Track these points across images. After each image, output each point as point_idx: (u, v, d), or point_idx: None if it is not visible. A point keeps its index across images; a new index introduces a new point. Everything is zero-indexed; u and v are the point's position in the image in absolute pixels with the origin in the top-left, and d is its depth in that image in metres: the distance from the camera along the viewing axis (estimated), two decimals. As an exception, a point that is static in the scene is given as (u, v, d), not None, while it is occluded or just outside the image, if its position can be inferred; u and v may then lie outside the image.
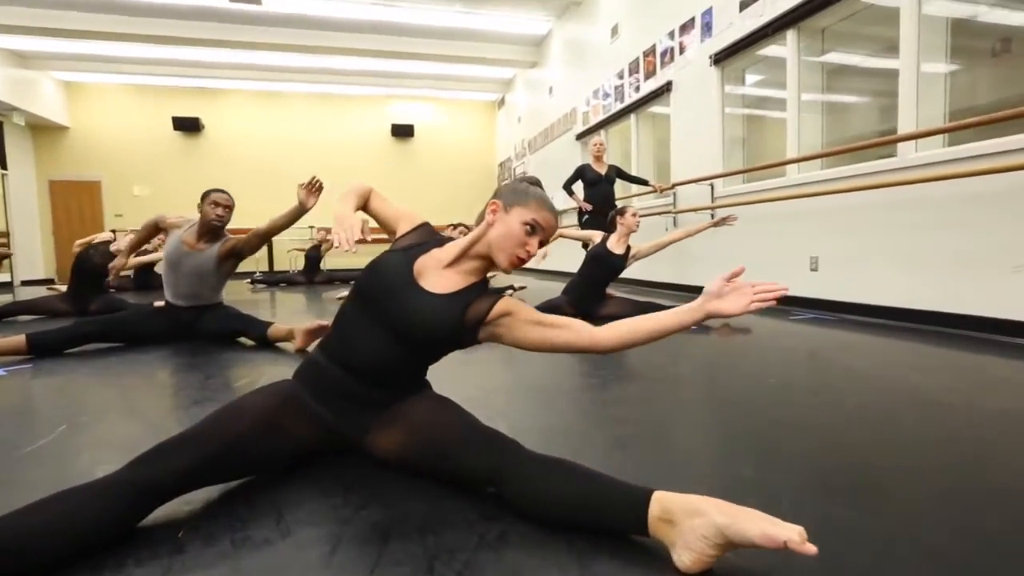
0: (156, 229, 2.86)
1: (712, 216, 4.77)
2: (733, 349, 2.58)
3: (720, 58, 4.49)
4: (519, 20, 8.22)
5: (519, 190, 1.12)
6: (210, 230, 2.71)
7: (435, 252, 1.16)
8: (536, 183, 1.17)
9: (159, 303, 3.85)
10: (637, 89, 5.95)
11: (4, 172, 8.53)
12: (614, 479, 0.89)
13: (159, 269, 3.81)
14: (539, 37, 8.84)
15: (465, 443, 1.01)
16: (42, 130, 9.56)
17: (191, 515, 0.96)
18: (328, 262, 8.23)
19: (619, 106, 6.36)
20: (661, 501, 0.82)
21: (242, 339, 2.84)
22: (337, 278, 8.00)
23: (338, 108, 10.92)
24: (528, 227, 1.08)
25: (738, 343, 2.70)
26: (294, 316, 4.13)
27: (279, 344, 2.70)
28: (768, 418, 1.51)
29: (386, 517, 0.95)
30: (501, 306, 1.08)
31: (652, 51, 5.58)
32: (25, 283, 8.94)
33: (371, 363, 1.11)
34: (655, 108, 5.95)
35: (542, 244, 1.12)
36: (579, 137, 7.54)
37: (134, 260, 4.16)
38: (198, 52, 8.76)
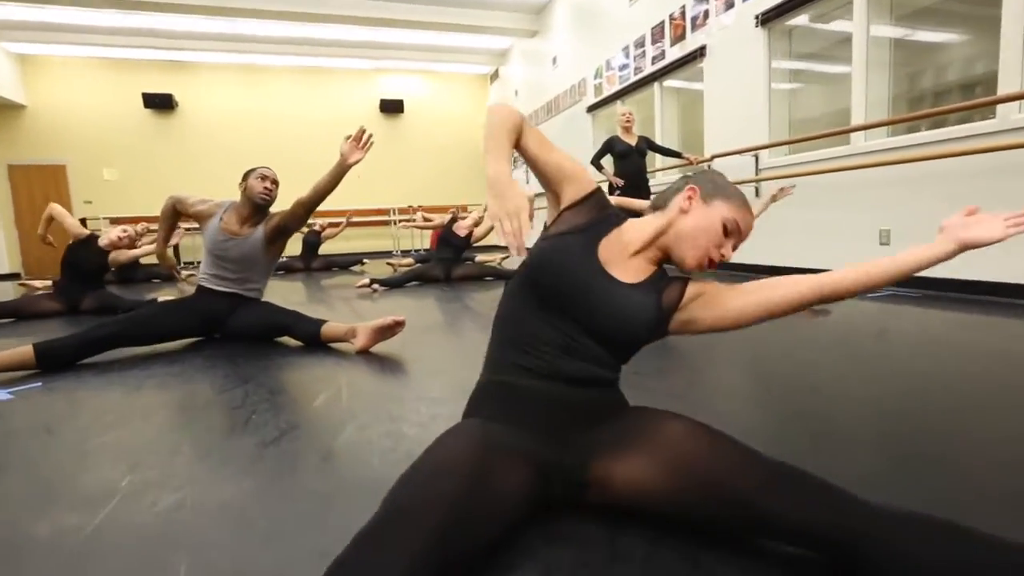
0: (176, 213, 2.44)
1: (756, 189, 4.50)
2: (850, 335, 2.30)
3: (769, 18, 4.16)
4: (521, -16, 7.73)
5: (721, 183, 0.98)
6: (255, 209, 2.34)
7: (615, 236, 0.98)
8: None
9: (164, 297, 3.40)
10: (662, 56, 5.59)
11: (-44, 156, 7.73)
12: None
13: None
14: (540, 4, 8.35)
15: (772, 487, 0.72)
16: (-5, 109, 8.69)
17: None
18: (325, 247, 7.73)
19: (639, 75, 5.99)
20: None
21: (283, 339, 2.46)
22: (336, 264, 7.53)
23: (324, 82, 10.23)
24: (727, 227, 0.94)
25: (832, 325, 2.43)
26: (294, 305, 3.72)
27: (332, 345, 2.33)
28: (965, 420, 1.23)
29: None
30: (693, 287, 0.96)
31: (681, 14, 5.21)
32: (-12, 278, 8.21)
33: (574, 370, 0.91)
34: (680, 76, 5.61)
35: (733, 249, 0.96)
36: (591, 109, 7.15)
37: (129, 254, 3.66)
38: (170, 20, 8.00)
